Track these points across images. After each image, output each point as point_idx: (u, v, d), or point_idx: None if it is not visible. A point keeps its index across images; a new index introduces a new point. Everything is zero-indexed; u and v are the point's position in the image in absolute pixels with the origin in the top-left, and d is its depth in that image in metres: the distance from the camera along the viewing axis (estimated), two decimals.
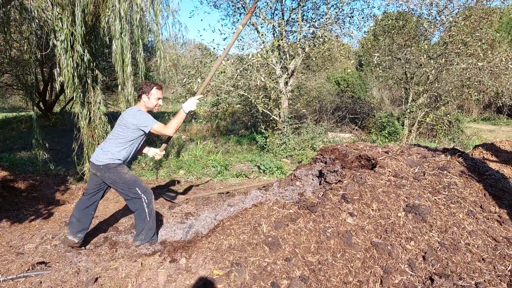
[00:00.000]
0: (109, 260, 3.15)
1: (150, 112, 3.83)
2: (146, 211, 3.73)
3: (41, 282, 2.77)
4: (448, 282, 2.41)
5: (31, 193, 5.78)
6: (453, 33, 10.02)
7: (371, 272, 2.60)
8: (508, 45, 15.46)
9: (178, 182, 7.09)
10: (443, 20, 10.41)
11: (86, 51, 5.04)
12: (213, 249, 2.86)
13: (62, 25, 4.57)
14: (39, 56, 6.02)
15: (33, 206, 5.17)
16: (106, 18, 4.96)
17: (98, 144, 5.76)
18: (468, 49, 10.30)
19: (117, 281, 2.69)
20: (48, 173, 6.76)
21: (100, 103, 5.52)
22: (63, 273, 2.88)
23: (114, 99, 15.12)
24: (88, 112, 5.48)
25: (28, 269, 3.24)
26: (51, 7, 4.59)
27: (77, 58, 4.85)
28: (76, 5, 4.59)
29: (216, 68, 4.17)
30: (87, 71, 5.18)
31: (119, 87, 5.27)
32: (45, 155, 6.29)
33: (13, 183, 5.92)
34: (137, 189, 3.68)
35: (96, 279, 2.72)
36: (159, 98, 3.75)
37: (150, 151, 4.11)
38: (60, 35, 4.60)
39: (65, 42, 4.65)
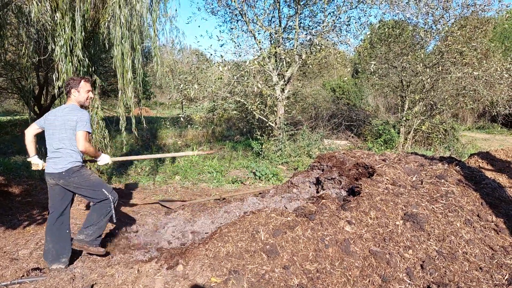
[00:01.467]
0: (105, 266, 3.12)
1: (83, 107, 3.63)
2: (109, 210, 3.56)
3: None
4: None
5: (26, 198, 5.72)
6: (449, 43, 10.12)
7: (369, 281, 2.60)
8: (502, 54, 15.63)
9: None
10: (439, 29, 10.52)
11: (85, 56, 5.03)
12: (211, 256, 2.84)
13: (62, 30, 4.56)
14: (36, 60, 5.99)
15: (28, 211, 5.11)
16: (106, 24, 4.97)
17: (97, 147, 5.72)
18: (464, 59, 10.40)
19: None
20: (42, 178, 6.70)
21: (98, 108, 5.50)
22: (58, 279, 2.84)
23: (110, 103, 15.09)
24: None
25: (23, 276, 3.21)
26: (50, 12, 4.58)
27: (76, 63, 4.83)
28: (76, 10, 4.58)
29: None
30: (86, 76, 5.16)
31: (120, 92, 5.25)
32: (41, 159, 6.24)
33: (7, 188, 5.86)
34: (103, 190, 3.53)
35: (92, 286, 2.69)
36: (89, 91, 3.58)
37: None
38: (60, 40, 4.58)
39: (65, 47, 4.63)
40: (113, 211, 3.62)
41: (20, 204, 5.41)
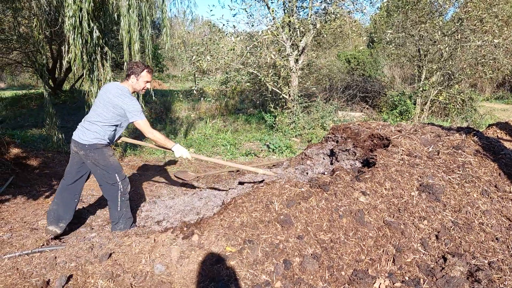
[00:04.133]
0: (122, 236, 3.18)
1: (135, 93, 3.67)
2: (119, 200, 3.57)
3: (55, 257, 2.81)
4: (461, 261, 2.40)
5: (43, 170, 5.84)
6: (469, 9, 9.74)
7: (383, 251, 2.59)
8: None
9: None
10: None
11: (95, 27, 4.97)
12: (226, 226, 2.87)
13: (70, 0, 4.49)
14: (48, 33, 5.96)
15: (46, 183, 5.23)
16: None
17: None
18: (484, 26, 10.02)
19: (131, 256, 2.72)
20: (59, 150, 6.82)
21: (110, 81, 5.49)
22: (77, 248, 2.91)
23: (123, 76, 15.10)
24: (98, 90, 5.45)
25: (43, 245, 3.30)
26: None
27: (85, 35, 4.78)
28: None
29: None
30: (96, 48, 5.12)
31: (125, 64, 5.20)
32: (57, 132, 6.33)
33: (25, 160, 5.98)
34: (116, 175, 3.52)
35: (110, 254, 2.75)
36: (147, 82, 3.60)
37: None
38: (68, 11, 4.52)
39: (74, 18, 4.57)
40: (126, 200, 3.63)
41: (39, 176, 5.53)
